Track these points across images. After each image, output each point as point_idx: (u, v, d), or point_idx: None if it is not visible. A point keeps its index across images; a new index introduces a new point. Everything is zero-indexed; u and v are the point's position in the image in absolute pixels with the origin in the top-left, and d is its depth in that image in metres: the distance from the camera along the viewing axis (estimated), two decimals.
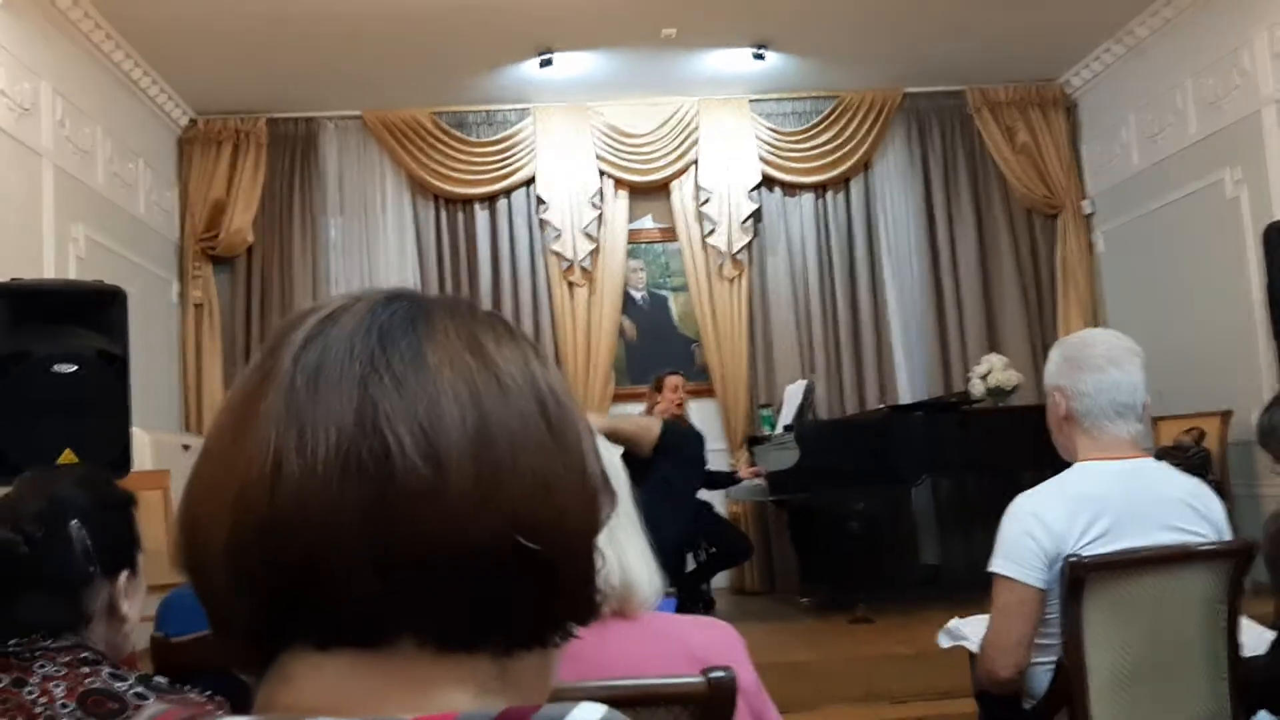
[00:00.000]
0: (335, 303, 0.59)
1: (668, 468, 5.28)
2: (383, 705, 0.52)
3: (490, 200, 7.37)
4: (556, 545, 0.55)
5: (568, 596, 0.58)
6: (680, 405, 6.15)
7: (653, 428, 5.44)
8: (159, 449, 5.62)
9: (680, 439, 5.57)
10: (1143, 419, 2.38)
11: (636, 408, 6.41)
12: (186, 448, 6.04)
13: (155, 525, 4.99)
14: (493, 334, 0.59)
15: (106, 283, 4.61)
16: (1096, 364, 2.33)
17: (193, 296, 6.92)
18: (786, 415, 6.26)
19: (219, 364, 6.92)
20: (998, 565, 2.29)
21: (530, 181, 7.32)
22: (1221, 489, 5.58)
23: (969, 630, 2.52)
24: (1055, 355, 2.42)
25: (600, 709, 0.53)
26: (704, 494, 5.95)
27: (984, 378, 6.44)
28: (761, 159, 7.35)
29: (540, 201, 7.29)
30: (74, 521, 1.57)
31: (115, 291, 4.46)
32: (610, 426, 5.36)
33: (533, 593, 0.56)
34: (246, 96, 6.90)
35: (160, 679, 1.61)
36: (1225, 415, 5.85)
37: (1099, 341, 2.41)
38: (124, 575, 1.63)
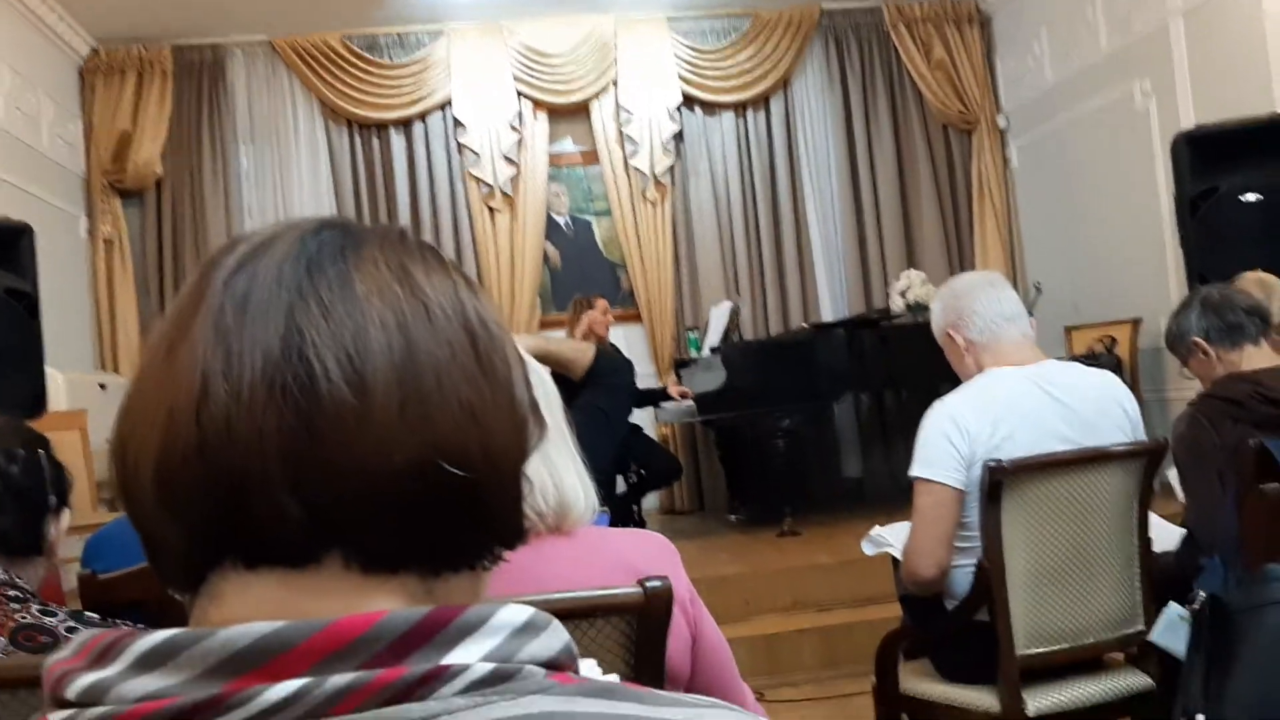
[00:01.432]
0: (268, 231, 0.60)
1: (599, 395, 5.33)
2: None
3: (406, 125, 7.22)
4: (482, 472, 0.56)
5: (494, 522, 0.59)
6: (606, 328, 6.18)
7: (587, 353, 5.46)
8: (74, 389, 5.49)
9: (612, 368, 5.61)
10: (1032, 328, 2.53)
11: (562, 335, 6.40)
12: (103, 387, 5.91)
13: (75, 466, 4.89)
14: (423, 264, 0.60)
15: (12, 218, 4.47)
16: (974, 287, 2.52)
17: (102, 232, 6.71)
18: (712, 337, 6.31)
19: (133, 300, 6.74)
20: (917, 469, 2.38)
21: (446, 104, 7.18)
22: (1133, 394, 5.76)
23: (891, 537, 2.61)
24: (935, 305, 2.60)
25: (527, 610, 0.55)
26: (634, 416, 6.00)
27: (903, 294, 6.53)
28: (681, 78, 7.29)
29: (458, 124, 7.17)
30: (41, 451, 1.60)
31: (22, 228, 4.33)
32: (543, 349, 5.35)
33: (458, 518, 0.57)
34: (149, 23, 6.63)
35: (91, 614, 1.61)
36: (1135, 323, 6.02)
37: (968, 274, 2.69)
38: (65, 512, 1.66)
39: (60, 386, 5.36)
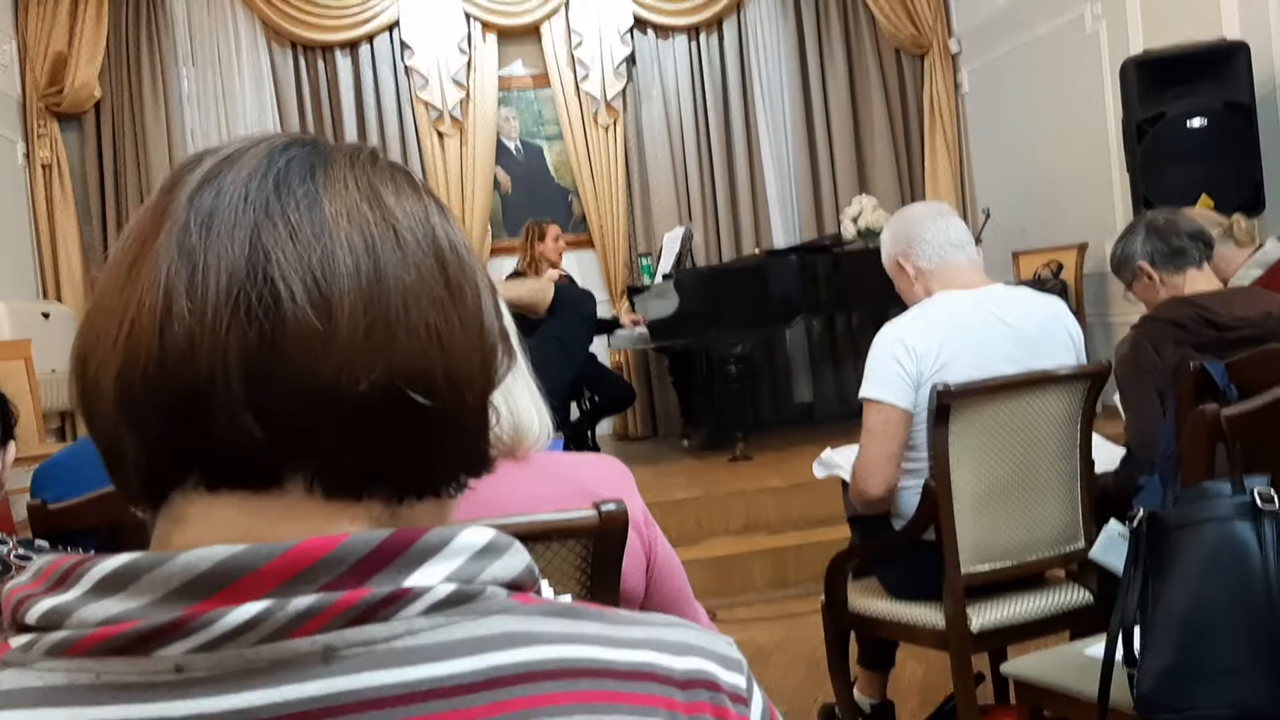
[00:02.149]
0: (236, 144, 0.59)
1: (559, 326, 5.41)
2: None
3: (352, 47, 7.07)
4: (447, 400, 0.56)
5: (459, 449, 0.59)
6: (558, 255, 6.16)
7: (546, 292, 5.52)
8: (17, 317, 5.40)
9: (571, 299, 5.66)
10: (979, 256, 2.59)
11: (513, 261, 6.37)
12: (46, 315, 5.81)
13: (20, 396, 4.82)
14: (393, 185, 0.59)
15: None
16: (923, 218, 2.57)
17: (40, 157, 6.52)
18: (665, 263, 6.29)
19: (74, 226, 6.58)
20: (867, 390, 2.43)
21: (393, 26, 7.03)
22: (1078, 318, 5.85)
23: (841, 459, 2.65)
24: (885, 235, 2.65)
25: (489, 532, 0.55)
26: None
27: (855, 219, 6.55)
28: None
29: (405, 47, 7.03)
30: None
31: None
32: (506, 296, 5.36)
33: (422, 444, 0.56)
34: None
35: (41, 541, 1.60)
36: (1081, 247, 6.08)
37: (917, 205, 2.76)
38: (11, 444, 1.65)
39: (3, 316, 5.27)
